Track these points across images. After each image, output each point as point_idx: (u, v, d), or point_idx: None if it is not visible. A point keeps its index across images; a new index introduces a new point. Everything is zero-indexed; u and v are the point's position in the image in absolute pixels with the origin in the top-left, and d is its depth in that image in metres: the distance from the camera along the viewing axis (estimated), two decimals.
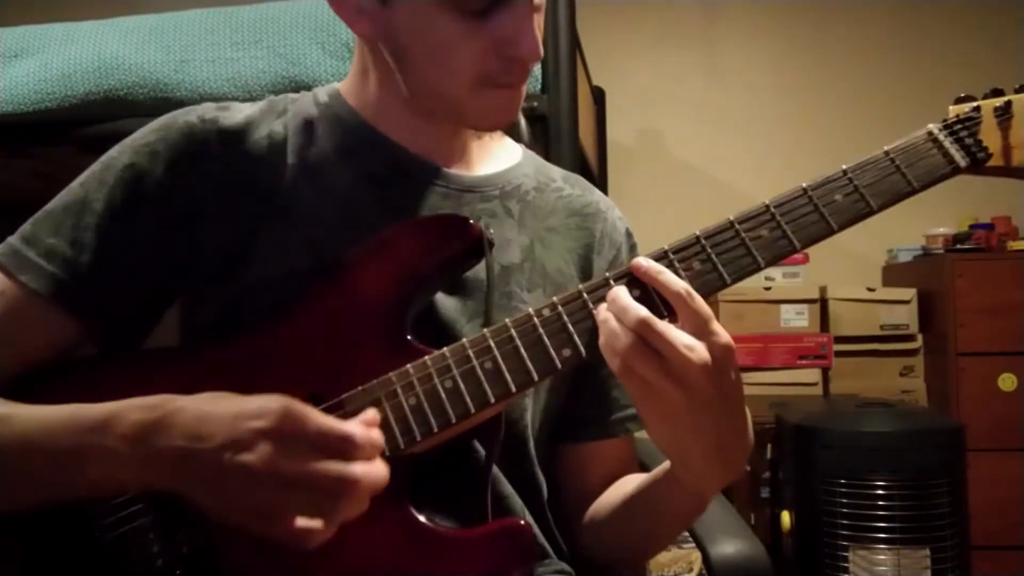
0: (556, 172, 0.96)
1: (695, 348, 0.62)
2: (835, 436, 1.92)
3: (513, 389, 0.68)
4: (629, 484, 0.85)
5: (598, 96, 2.86)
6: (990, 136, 0.73)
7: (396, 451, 0.69)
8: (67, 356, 0.79)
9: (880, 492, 1.85)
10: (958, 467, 1.92)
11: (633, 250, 0.95)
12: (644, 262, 0.67)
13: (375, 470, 0.61)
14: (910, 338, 2.56)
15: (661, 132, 3.12)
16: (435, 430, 0.68)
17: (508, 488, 0.82)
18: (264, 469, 0.59)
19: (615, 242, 0.93)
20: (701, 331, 0.63)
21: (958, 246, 2.55)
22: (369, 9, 0.76)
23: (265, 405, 0.61)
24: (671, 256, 0.69)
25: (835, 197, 0.70)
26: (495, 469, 0.80)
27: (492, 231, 0.78)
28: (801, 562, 1.98)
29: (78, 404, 0.68)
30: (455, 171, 0.86)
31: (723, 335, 0.63)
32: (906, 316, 2.56)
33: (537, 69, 1.41)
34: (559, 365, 0.68)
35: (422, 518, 0.70)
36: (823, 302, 2.62)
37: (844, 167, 0.71)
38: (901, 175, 0.71)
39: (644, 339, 0.63)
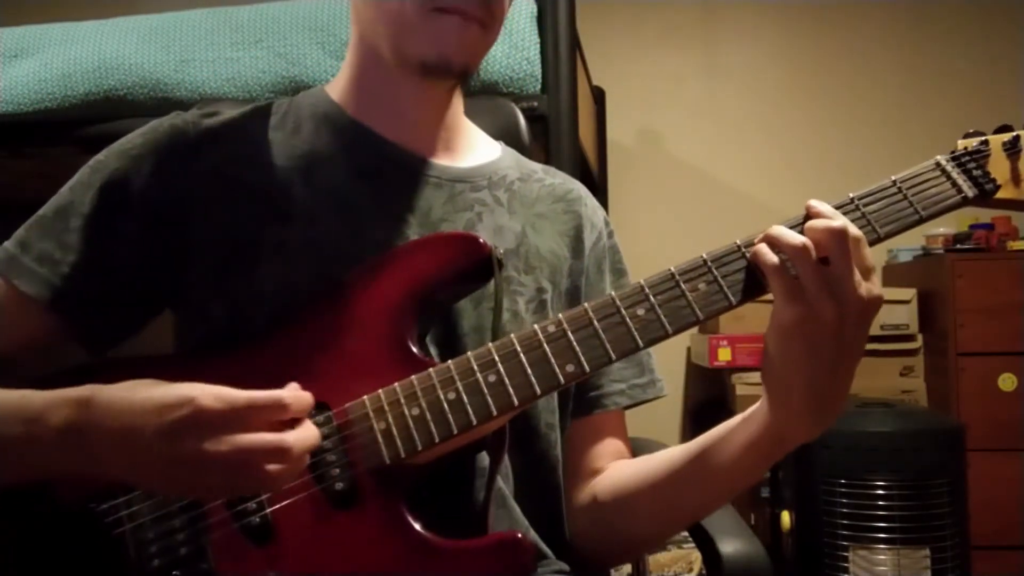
0: (535, 165, 0.98)
1: (863, 283, 0.66)
2: (835, 436, 1.92)
3: (516, 403, 0.69)
4: (671, 453, 0.83)
5: (598, 96, 2.86)
6: (998, 168, 0.73)
7: (397, 459, 0.69)
8: (46, 354, 0.81)
9: (880, 492, 1.85)
10: (958, 467, 1.92)
11: (612, 236, 0.97)
12: (822, 204, 0.69)
13: (308, 434, 0.64)
14: (910, 338, 2.55)
15: (661, 132, 3.12)
16: (436, 440, 0.69)
17: (510, 499, 0.82)
18: (198, 457, 0.61)
19: (596, 226, 0.95)
20: (866, 276, 0.67)
21: (958, 246, 2.54)
22: None
23: (186, 392, 0.62)
24: (678, 276, 0.70)
25: None
26: (497, 478, 0.80)
27: (502, 250, 0.79)
28: (801, 562, 1.98)
29: (26, 391, 0.69)
30: (443, 162, 0.87)
31: (879, 287, 0.68)
32: (906, 316, 2.56)
33: (537, 69, 1.41)
34: (562, 380, 0.69)
35: (419, 527, 0.70)
36: None
37: (851, 195, 0.72)
38: (908, 203, 0.71)
39: (825, 248, 0.66)
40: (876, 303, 0.67)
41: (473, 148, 0.92)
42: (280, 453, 0.62)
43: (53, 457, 0.67)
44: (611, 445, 0.92)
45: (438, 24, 0.78)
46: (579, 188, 0.97)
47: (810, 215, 0.69)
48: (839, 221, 0.67)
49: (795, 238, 0.67)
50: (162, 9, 1.60)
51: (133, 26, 1.55)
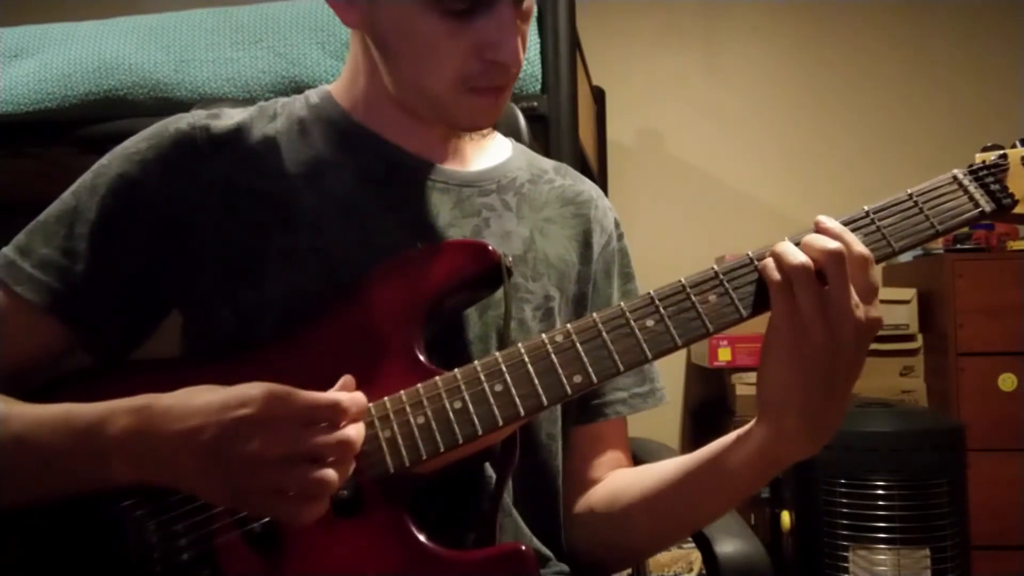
0: (547, 163, 0.96)
1: (860, 306, 0.65)
2: (835, 436, 1.91)
3: (522, 413, 0.68)
4: (668, 466, 0.83)
5: (598, 96, 2.86)
6: (1017, 183, 0.72)
7: (401, 469, 0.69)
8: (54, 363, 0.79)
9: (880, 492, 1.85)
10: (958, 467, 1.92)
11: (621, 239, 0.96)
12: (830, 221, 0.68)
13: (361, 432, 0.64)
14: (910, 338, 2.55)
15: (661, 132, 3.12)
16: (441, 450, 0.68)
17: (512, 508, 0.82)
18: (261, 456, 0.60)
19: (606, 229, 0.94)
20: (866, 299, 0.66)
21: (958, 246, 2.54)
22: (357, 1, 0.77)
23: (247, 392, 0.62)
24: (689, 288, 0.69)
25: (857, 236, 0.69)
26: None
27: (511, 259, 0.78)
28: (801, 562, 1.98)
29: (70, 404, 0.69)
30: (451, 167, 0.86)
31: (878, 309, 0.66)
32: (906, 316, 2.56)
33: (537, 69, 1.41)
34: (569, 391, 0.68)
35: (422, 537, 0.70)
36: None
37: (866, 208, 0.70)
38: (924, 216, 0.70)
39: (823, 269, 0.65)
40: (874, 327, 0.66)
41: (483, 150, 0.91)
42: (343, 449, 0.62)
43: (108, 468, 0.66)
44: (610, 455, 0.91)
45: (473, 102, 0.78)
46: (590, 189, 0.96)
47: (817, 231, 0.68)
48: (837, 243, 0.65)
49: (795, 257, 0.65)
50: (162, 9, 1.60)
51: (133, 26, 1.55)
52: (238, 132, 0.82)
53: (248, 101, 0.89)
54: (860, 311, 0.65)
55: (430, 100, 0.78)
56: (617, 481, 0.88)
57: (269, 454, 0.60)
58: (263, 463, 0.60)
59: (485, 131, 0.90)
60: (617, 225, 0.96)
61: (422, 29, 0.73)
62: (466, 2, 0.72)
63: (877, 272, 0.67)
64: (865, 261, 0.66)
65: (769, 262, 0.67)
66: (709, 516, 0.83)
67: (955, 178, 0.72)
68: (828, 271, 0.65)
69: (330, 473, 0.61)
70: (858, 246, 0.66)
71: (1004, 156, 0.73)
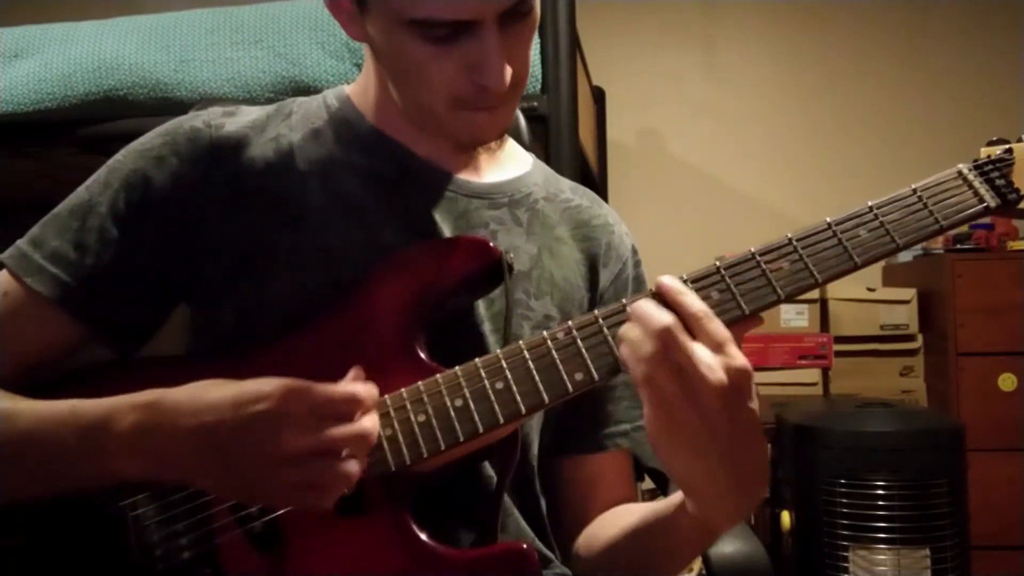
0: (565, 183, 0.95)
1: (714, 368, 0.59)
2: (835, 436, 1.91)
3: (523, 411, 0.68)
4: (631, 516, 0.81)
5: (598, 96, 2.86)
6: (1022, 178, 0.71)
7: (402, 467, 0.69)
8: (68, 357, 0.80)
9: (880, 492, 1.85)
10: (958, 467, 1.92)
11: (638, 266, 0.94)
12: (667, 280, 0.64)
13: (376, 422, 0.65)
14: (910, 338, 2.55)
15: (661, 132, 3.12)
16: (442, 447, 0.68)
17: (511, 507, 0.82)
18: (281, 452, 0.61)
19: (621, 256, 0.92)
20: (717, 352, 0.61)
21: (958, 246, 2.54)
22: (357, 18, 0.76)
23: (261, 387, 0.62)
24: (689, 284, 0.66)
25: (859, 232, 0.68)
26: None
27: (512, 255, 0.77)
28: (801, 562, 1.98)
29: (76, 400, 0.69)
30: (464, 177, 0.85)
31: (739, 358, 0.61)
32: (906, 316, 2.56)
33: (537, 69, 1.41)
34: (571, 389, 0.68)
35: (424, 536, 0.70)
36: (823, 302, 2.62)
37: (870, 203, 0.69)
38: (928, 212, 0.69)
39: (666, 349, 0.60)
40: (738, 379, 0.60)
41: (499, 163, 0.90)
42: (361, 440, 0.63)
43: (114, 465, 0.66)
44: (605, 494, 0.88)
45: (471, 119, 0.76)
46: (607, 214, 0.94)
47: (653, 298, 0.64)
48: (666, 317, 0.60)
49: (645, 348, 0.60)
50: (162, 9, 1.60)
51: (133, 26, 1.56)
52: (252, 131, 0.82)
53: (248, 101, 0.89)
54: (715, 373, 0.59)
55: (430, 116, 0.78)
56: (599, 528, 0.86)
57: (289, 450, 0.61)
58: (283, 459, 0.61)
59: (493, 146, 0.89)
60: (634, 252, 0.94)
61: (408, 51, 0.73)
62: (446, 28, 0.70)
63: (719, 324, 0.62)
64: (699, 320, 0.61)
65: (627, 352, 0.62)
66: (666, 571, 0.79)
67: (960, 173, 0.71)
68: (668, 347, 0.60)
69: (350, 466, 0.62)
70: (692, 306, 0.62)
71: (1010, 150, 0.71)
